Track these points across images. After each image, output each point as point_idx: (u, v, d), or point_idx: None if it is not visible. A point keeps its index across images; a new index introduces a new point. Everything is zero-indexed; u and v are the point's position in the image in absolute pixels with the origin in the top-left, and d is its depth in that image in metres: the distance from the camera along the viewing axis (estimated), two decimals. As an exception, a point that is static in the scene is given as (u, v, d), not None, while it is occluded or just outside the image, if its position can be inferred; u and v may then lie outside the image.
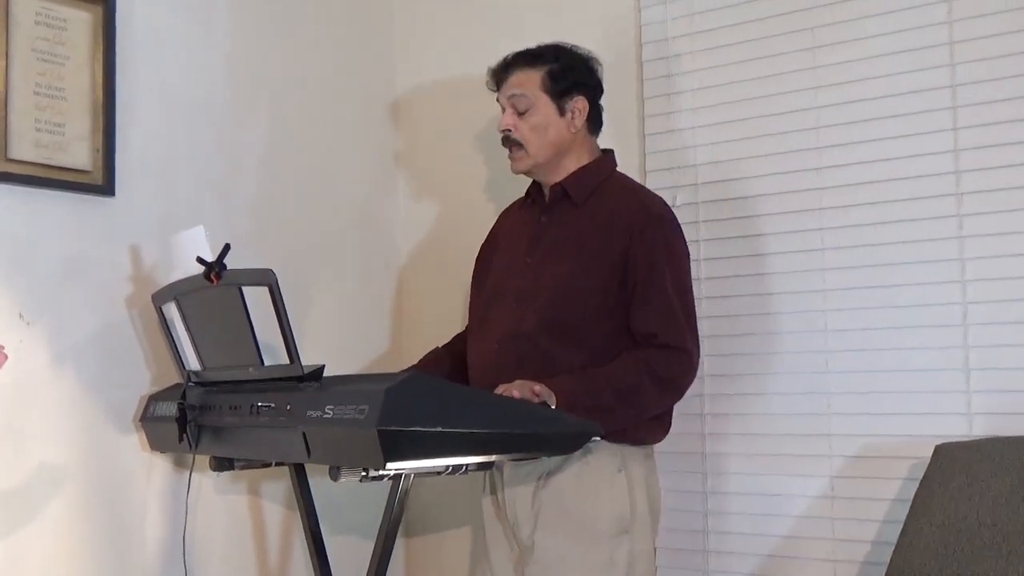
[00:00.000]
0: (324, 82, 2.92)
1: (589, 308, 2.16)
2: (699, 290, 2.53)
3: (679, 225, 2.26)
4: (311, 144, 2.87)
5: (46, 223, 2.23)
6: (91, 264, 2.30)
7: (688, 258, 2.27)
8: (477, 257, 2.49)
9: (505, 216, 2.50)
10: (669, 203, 2.50)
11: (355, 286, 2.97)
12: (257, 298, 1.94)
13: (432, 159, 3.07)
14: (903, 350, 2.28)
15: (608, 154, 2.35)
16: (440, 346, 2.55)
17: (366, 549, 2.00)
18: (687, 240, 2.54)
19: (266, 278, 1.88)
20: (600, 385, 2.08)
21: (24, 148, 2.18)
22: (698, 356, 2.21)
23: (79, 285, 2.27)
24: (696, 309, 2.25)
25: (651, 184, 2.63)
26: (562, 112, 2.24)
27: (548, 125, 2.24)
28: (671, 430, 2.51)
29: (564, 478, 2.15)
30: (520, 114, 2.24)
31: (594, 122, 2.32)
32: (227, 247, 1.99)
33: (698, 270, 2.54)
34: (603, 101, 2.43)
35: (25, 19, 2.19)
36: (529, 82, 2.24)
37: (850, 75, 2.37)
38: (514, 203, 2.49)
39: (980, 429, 2.18)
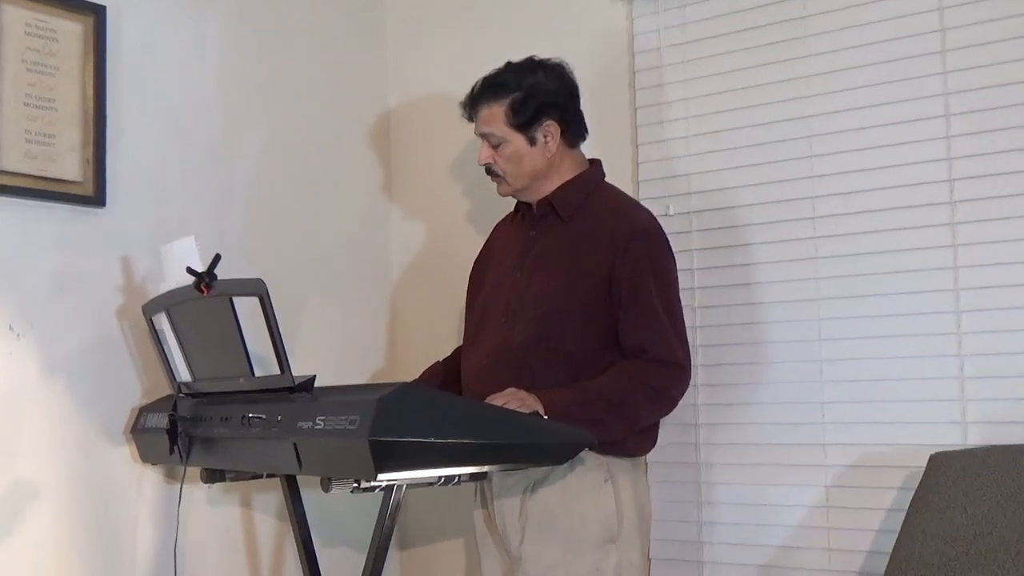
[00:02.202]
0: (317, 96, 2.92)
1: (575, 324, 2.17)
2: (692, 299, 2.54)
3: (666, 239, 2.25)
4: (303, 157, 2.86)
5: (36, 234, 2.22)
6: (81, 275, 2.29)
7: (674, 271, 2.26)
8: (471, 272, 2.50)
9: (497, 231, 2.51)
10: (662, 212, 2.53)
11: (348, 300, 2.96)
12: (248, 309, 1.93)
13: (425, 174, 3.07)
14: (897, 359, 2.27)
15: (595, 165, 2.35)
16: (440, 360, 2.55)
17: (359, 561, 1.99)
18: (680, 250, 2.55)
19: (256, 288, 1.87)
20: (591, 396, 2.08)
21: (14, 159, 2.17)
22: (690, 367, 2.22)
23: (69, 296, 2.26)
24: (686, 319, 2.25)
25: (644, 193, 2.63)
26: (532, 142, 2.24)
27: (521, 157, 2.25)
28: (663, 441, 2.51)
29: (551, 488, 2.15)
30: (495, 147, 2.26)
31: (574, 134, 2.30)
32: (217, 257, 1.98)
33: (691, 279, 2.55)
34: (595, 111, 2.44)
35: (15, 30, 2.19)
36: (494, 119, 2.25)
37: (842, 84, 2.37)
38: (505, 217, 2.49)
39: (975, 438, 2.17)
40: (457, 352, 2.52)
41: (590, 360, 2.16)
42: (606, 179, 2.36)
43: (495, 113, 2.25)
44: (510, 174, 2.26)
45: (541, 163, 2.26)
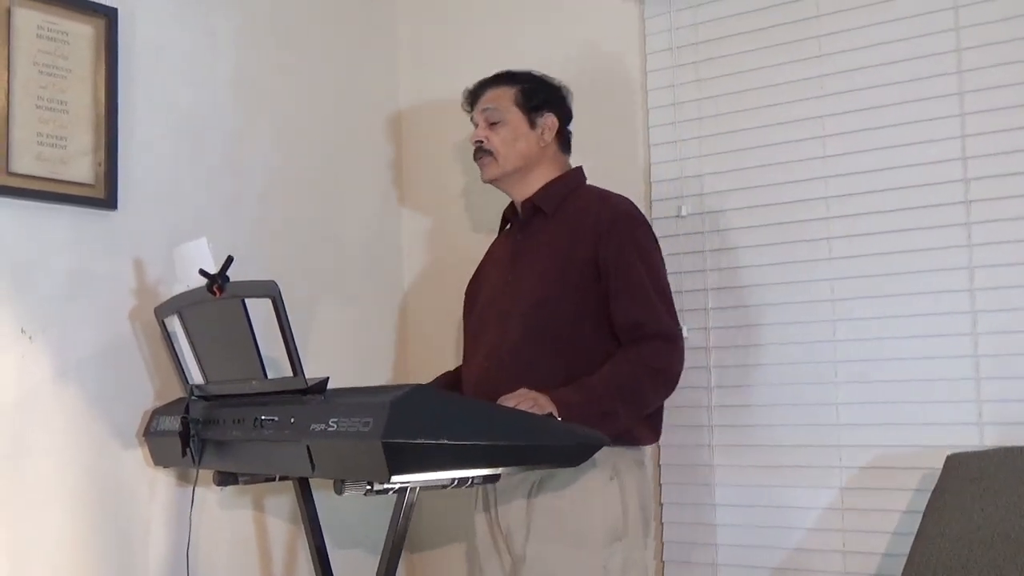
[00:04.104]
0: (328, 98, 2.91)
1: (567, 312, 2.19)
2: (705, 301, 2.53)
3: (647, 221, 2.30)
4: (315, 159, 2.86)
5: (48, 237, 2.22)
6: (93, 278, 2.29)
7: (659, 251, 2.28)
8: (466, 291, 2.53)
9: (488, 251, 2.54)
10: (675, 213, 2.57)
11: (359, 303, 2.96)
12: (260, 312, 1.93)
13: (436, 175, 3.06)
14: (913, 360, 2.26)
15: (578, 169, 2.40)
16: (451, 371, 2.57)
17: (371, 564, 1.98)
18: (693, 251, 2.56)
19: (269, 290, 1.86)
20: (600, 390, 2.08)
21: (26, 162, 2.17)
22: (683, 341, 2.22)
23: (81, 299, 2.26)
24: (698, 321, 2.33)
25: (656, 194, 2.63)
26: (533, 125, 2.33)
27: (518, 137, 2.31)
28: (677, 442, 2.50)
29: (556, 487, 2.15)
30: (492, 126, 2.32)
31: (564, 142, 2.39)
32: (230, 259, 1.97)
33: (704, 280, 2.54)
34: (608, 112, 2.54)
35: (27, 32, 2.19)
36: (502, 96, 2.34)
37: (857, 83, 2.36)
38: (495, 239, 2.53)
39: (992, 439, 2.16)
40: None
41: (588, 348, 2.17)
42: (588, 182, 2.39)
43: (504, 93, 2.34)
44: (502, 154, 2.31)
45: (535, 149, 2.32)
